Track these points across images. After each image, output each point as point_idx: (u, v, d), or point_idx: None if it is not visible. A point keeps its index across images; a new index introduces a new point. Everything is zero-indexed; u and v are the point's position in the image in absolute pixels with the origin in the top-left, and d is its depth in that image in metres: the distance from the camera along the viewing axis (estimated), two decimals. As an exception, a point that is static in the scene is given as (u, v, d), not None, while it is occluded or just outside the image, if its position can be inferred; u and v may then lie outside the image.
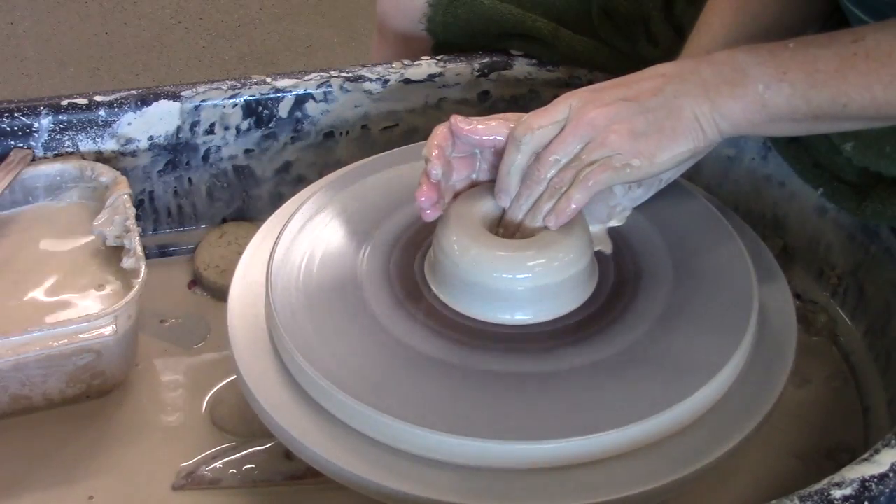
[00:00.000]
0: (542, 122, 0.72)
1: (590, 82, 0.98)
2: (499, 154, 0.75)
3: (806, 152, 0.87)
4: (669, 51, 0.93)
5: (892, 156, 0.78)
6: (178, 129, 0.95)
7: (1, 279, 0.85)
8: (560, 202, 0.72)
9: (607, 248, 0.78)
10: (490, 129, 0.74)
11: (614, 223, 0.79)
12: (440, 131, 0.74)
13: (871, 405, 0.85)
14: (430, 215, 0.74)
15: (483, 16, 1.01)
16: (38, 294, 0.84)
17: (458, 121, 0.74)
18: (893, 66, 0.68)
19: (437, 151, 0.73)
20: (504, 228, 0.75)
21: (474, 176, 0.77)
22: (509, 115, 0.75)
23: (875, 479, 0.62)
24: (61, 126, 0.92)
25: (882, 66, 0.68)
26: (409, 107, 1.00)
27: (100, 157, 0.93)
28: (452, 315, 0.74)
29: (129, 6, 2.25)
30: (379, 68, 0.99)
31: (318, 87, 0.97)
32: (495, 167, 0.75)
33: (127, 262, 0.84)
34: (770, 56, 0.71)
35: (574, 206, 0.71)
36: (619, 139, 0.70)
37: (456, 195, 0.77)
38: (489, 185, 0.77)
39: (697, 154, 0.74)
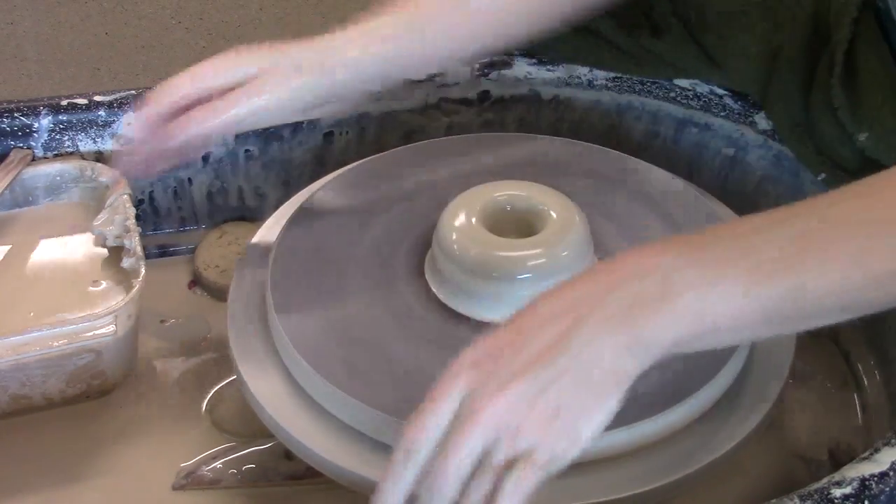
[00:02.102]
0: (429, 426, 0.54)
1: (589, 81, 0.99)
2: None
3: (811, 138, 0.87)
4: (675, 43, 0.93)
5: None
6: (178, 129, 0.95)
7: (1, 279, 0.85)
8: None
9: None
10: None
11: None
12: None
13: (871, 405, 0.85)
14: None
15: None
16: (38, 294, 0.84)
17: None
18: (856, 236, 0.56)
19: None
20: None
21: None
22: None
23: (875, 478, 0.62)
24: (61, 126, 0.92)
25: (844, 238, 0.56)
26: (409, 107, 1.00)
27: (100, 157, 0.93)
28: (453, 315, 0.74)
29: (129, 6, 2.24)
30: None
31: (318, 86, 0.97)
32: None
33: (127, 262, 0.84)
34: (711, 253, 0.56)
35: None
36: (532, 432, 0.53)
37: None
38: (490, 185, 0.77)
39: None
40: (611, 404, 0.55)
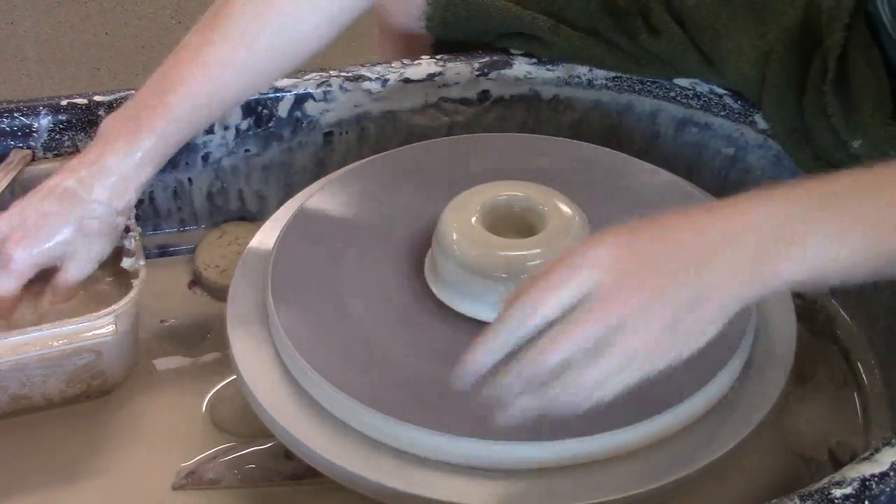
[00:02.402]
0: (548, 302, 0.59)
1: (589, 81, 0.99)
2: None
3: (808, 143, 0.87)
4: (673, 43, 0.93)
5: None
6: (178, 128, 0.95)
7: (0, 279, 0.85)
8: (578, 398, 0.60)
9: None
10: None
11: None
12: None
13: (871, 404, 0.85)
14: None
15: (481, 13, 1.01)
16: (38, 294, 0.84)
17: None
18: None
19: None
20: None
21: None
22: None
23: (875, 478, 0.62)
24: (61, 126, 0.92)
25: None
26: (409, 106, 1.00)
27: (100, 157, 0.93)
28: (453, 316, 0.74)
29: (129, 6, 2.24)
30: (378, 68, 0.99)
31: (318, 86, 0.97)
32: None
33: (127, 262, 0.84)
34: (825, 209, 0.61)
35: (593, 405, 0.60)
36: (644, 344, 0.59)
37: None
38: (490, 185, 0.77)
39: None
40: (715, 329, 0.60)
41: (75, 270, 0.81)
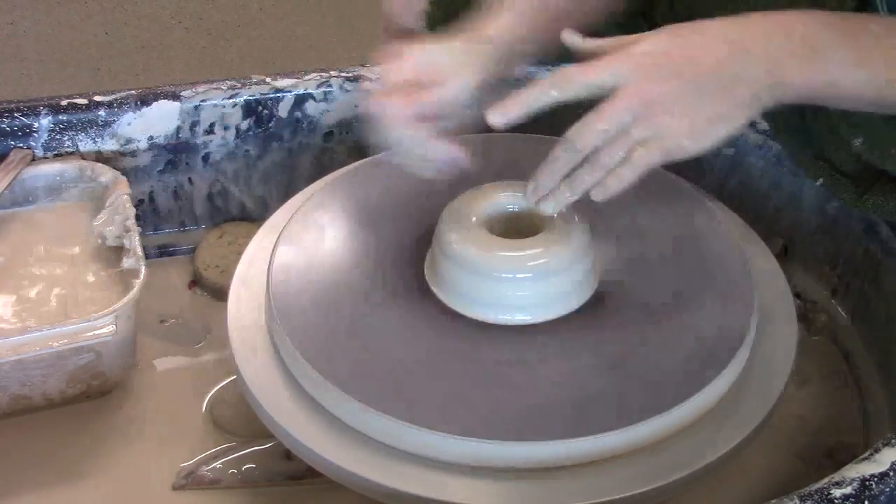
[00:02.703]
0: (579, 79, 0.68)
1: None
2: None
3: (809, 144, 0.87)
4: None
5: None
6: (178, 129, 0.95)
7: (0, 279, 0.85)
8: (610, 179, 0.68)
9: None
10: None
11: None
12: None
13: (870, 405, 0.85)
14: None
15: None
16: (38, 294, 0.84)
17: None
18: None
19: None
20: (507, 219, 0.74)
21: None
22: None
23: (875, 478, 0.62)
24: (61, 126, 0.92)
25: None
26: (409, 107, 1.00)
27: (100, 157, 0.93)
28: (452, 316, 0.74)
29: (129, 6, 2.24)
30: (379, 68, 0.99)
31: (318, 87, 0.97)
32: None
33: (127, 262, 0.84)
34: (849, 39, 0.68)
35: (625, 185, 0.68)
36: (672, 122, 0.66)
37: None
38: (490, 186, 0.77)
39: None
40: (737, 125, 0.68)
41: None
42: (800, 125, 0.86)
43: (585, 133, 0.67)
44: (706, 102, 0.67)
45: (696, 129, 0.67)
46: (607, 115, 0.67)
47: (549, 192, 0.70)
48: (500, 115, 0.69)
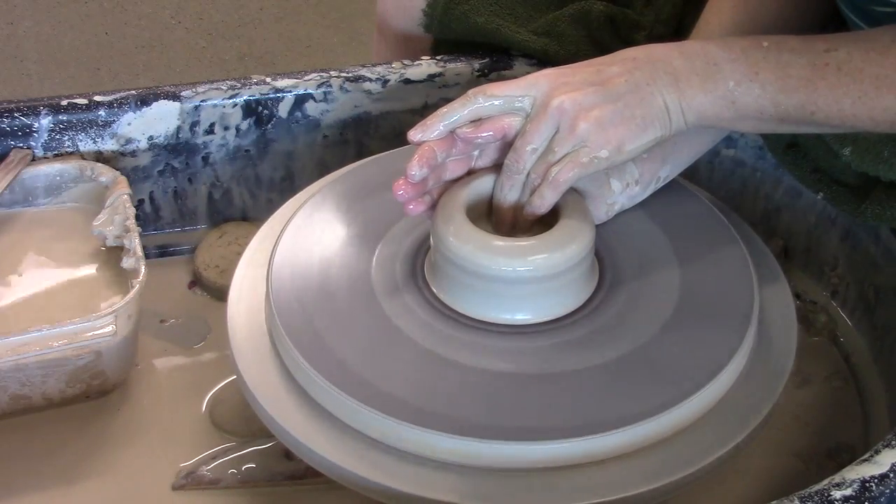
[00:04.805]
0: (497, 92, 0.73)
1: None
2: (503, 149, 0.75)
3: (804, 158, 0.86)
4: None
5: (890, 160, 0.78)
6: (178, 129, 0.95)
7: (0, 279, 0.85)
8: (534, 199, 0.73)
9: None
10: (498, 127, 0.73)
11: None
12: (428, 147, 0.73)
13: (871, 405, 0.85)
14: (412, 210, 0.74)
15: (476, 32, 1.02)
16: (38, 294, 0.84)
17: (466, 131, 0.74)
18: (863, 82, 0.69)
19: (422, 160, 0.72)
20: (495, 217, 0.76)
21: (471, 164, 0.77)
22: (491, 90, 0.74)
23: (875, 480, 0.62)
24: (61, 126, 0.92)
25: (852, 82, 0.69)
26: (409, 107, 1.00)
27: (100, 157, 0.93)
28: (452, 315, 0.74)
29: (129, 6, 2.24)
30: (379, 68, 0.99)
31: (318, 87, 0.97)
32: (494, 160, 0.76)
33: (127, 262, 0.84)
34: (743, 54, 0.71)
35: (548, 203, 0.73)
36: (588, 127, 0.70)
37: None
38: (490, 184, 0.77)
39: (662, 141, 0.74)
40: (651, 136, 0.72)
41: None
42: (793, 141, 0.86)
43: (519, 158, 0.72)
44: (620, 107, 0.71)
45: (611, 138, 0.71)
46: (533, 135, 0.72)
47: (503, 200, 0.75)
48: (419, 132, 0.73)
